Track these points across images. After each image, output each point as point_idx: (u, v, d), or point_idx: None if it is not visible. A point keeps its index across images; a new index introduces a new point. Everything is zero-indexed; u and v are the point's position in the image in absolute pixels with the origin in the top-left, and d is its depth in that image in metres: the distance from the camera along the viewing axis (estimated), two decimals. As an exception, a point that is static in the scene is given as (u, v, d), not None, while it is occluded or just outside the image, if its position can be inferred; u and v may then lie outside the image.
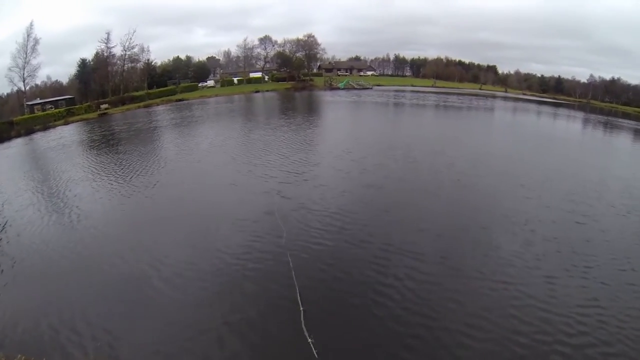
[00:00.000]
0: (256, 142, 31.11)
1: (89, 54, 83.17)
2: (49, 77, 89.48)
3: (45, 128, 50.71)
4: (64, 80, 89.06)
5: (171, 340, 9.41)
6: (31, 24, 69.23)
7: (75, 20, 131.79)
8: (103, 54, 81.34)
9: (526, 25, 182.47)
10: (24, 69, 69.03)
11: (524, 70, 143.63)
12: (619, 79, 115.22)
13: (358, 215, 16.41)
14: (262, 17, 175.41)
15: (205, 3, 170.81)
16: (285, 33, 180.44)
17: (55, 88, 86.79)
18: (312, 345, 8.83)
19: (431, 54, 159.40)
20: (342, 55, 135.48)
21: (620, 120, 68.17)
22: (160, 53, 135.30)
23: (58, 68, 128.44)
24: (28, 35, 68.98)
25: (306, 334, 9.21)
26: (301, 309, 10.16)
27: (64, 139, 40.23)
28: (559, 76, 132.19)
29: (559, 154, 30.80)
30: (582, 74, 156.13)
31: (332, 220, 15.89)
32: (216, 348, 9.15)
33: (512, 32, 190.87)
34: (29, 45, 69.12)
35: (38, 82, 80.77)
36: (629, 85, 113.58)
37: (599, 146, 38.86)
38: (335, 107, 58.52)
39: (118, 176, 23.57)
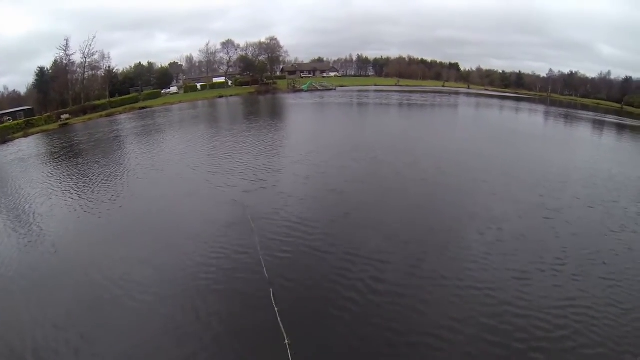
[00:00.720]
0: (218, 149, 31.95)
1: (47, 62, 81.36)
2: (5, 88, 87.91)
3: (3, 141, 49.75)
4: (22, 90, 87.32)
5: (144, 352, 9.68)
6: (-16, 35, 67.69)
7: (29, 26, 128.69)
8: (62, 61, 79.26)
9: (484, 22, 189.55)
10: (-22, 80, 67.36)
11: (485, 66, 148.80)
12: (576, 73, 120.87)
13: (319, 222, 16.49)
14: (223, 20, 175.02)
15: (164, 6, 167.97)
16: (246, 36, 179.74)
17: (13, 98, 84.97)
18: (288, 346, 9.03)
19: (393, 53, 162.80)
20: (305, 58, 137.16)
21: (579, 112, 72.25)
22: (121, 59, 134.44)
23: (15, 77, 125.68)
24: (-19, 46, 67.38)
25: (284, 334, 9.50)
26: (276, 309, 10.52)
27: (24, 152, 39.86)
28: (520, 71, 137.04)
29: (521, 147, 32.15)
30: (541, 69, 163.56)
31: (291, 231, 15.84)
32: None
33: (471, 29, 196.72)
34: (-17, 56, 67.51)
35: (-5, 92, 78.67)
36: (586, 78, 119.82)
37: (560, 138, 40.95)
38: (299, 109, 60.09)
39: (79, 190, 23.48)
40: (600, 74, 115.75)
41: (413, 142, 32.31)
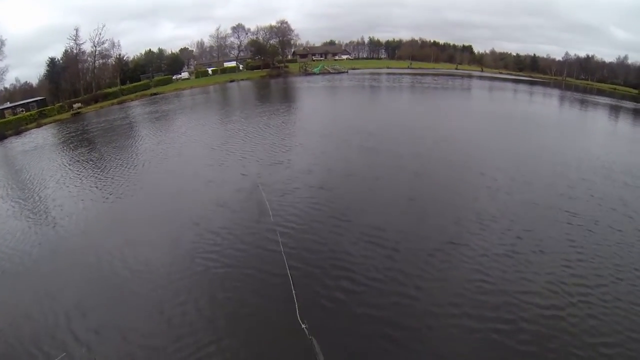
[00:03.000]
0: (229, 132, 31.51)
1: (57, 54, 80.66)
2: (17, 80, 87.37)
3: (17, 132, 49.74)
4: (34, 81, 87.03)
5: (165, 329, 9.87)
6: (-6, 27, 67.29)
7: (37, 21, 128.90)
8: (72, 51, 78.55)
9: (491, 4, 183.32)
10: (-10, 73, 67.17)
11: (498, 49, 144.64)
12: (593, 57, 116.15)
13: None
14: (228, 7, 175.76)
15: None
16: (253, 22, 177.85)
17: (25, 90, 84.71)
18: (305, 330, 8.94)
19: (403, 35, 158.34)
20: (316, 41, 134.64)
21: (595, 97, 69.15)
22: (130, 48, 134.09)
23: (26, 70, 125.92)
24: (-8, 38, 66.97)
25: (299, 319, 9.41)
26: (293, 291, 10.61)
27: (37, 142, 39.83)
28: (534, 54, 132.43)
29: (534, 137, 29.27)
30: (555, 52, 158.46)
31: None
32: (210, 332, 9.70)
33: (479, 11, 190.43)
34: (-6, 48, 67.16)
35: (7, 85, 78.85)
36: (603, 62, 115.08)
37: (575, 125, 38.21)
38: (310, 92, 59.03)
39: (96, 177, 23.56)
40: (618, 58, 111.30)
41: (420, 131, 29.35)
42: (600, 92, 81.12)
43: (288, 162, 22.26)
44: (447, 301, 10.41)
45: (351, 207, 16.05)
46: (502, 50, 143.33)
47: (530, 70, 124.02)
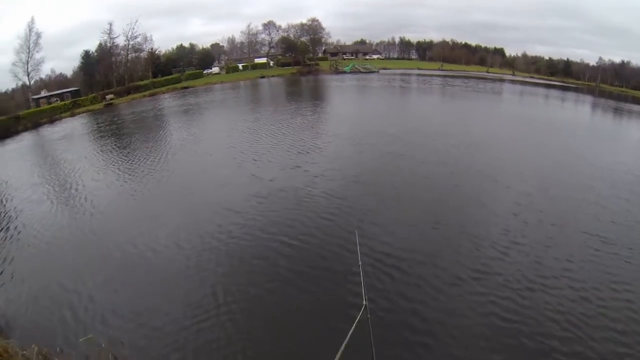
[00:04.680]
0: (260, 127, 30.76)
1: (90, 48, 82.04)
2: (53, 71, 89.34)
3: (51, 121, 50.53)
4: (69, 73, 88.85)
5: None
6: (32, 19, 68.87)
7: (71, 17, 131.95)
8: (106, 45, 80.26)
9: (520, 5, 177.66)
10: (27, 63, 68.75)
11: (530, 52, 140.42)
12: (628, 63, 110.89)
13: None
14: (255, 5, 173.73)
15: None
16: (280, 20, 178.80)
17: (60, 81, 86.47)
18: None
19: (432, 36, 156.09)
20: (347, 40, 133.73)
21: (630, 105, 64.24)
22: (160, 43, 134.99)
23: (60, 62, 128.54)
24: (30, 30, 68.64)
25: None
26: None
27: (72, 131, 40.19)
28: (567, 59, 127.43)
29: (564, 144, 26.41)
30: (590, 57, 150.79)
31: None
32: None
33: (505, 13, 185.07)
34: (32, 40, 68.82)
35: (42, 75, 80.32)
36: (639, 68, 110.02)
37: (609, 135, 33.63)
38: (341, 91, 57.79)
39: (127, 166, 23.42)
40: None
41: (446, 137, 26.12)
42: (636, 100, 76.02)
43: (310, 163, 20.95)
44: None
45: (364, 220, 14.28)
46: (534, 54, 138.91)
47: (563, 75, 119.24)
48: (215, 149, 25.16)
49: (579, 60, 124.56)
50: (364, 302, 7.37)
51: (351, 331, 4.17)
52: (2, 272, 12.41)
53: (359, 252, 8.29)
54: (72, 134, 37.75)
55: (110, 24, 79.48)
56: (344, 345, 4.04)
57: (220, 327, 9.07)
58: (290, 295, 10.10)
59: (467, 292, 10.05)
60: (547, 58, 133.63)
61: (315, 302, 9.81)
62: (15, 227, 15.99)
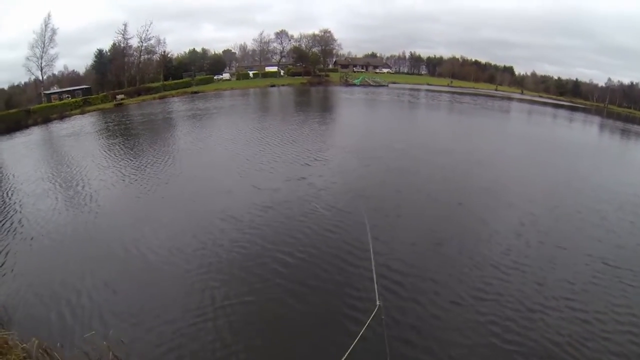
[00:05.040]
0: (267, 135, 30.92)
1: (103, 47, 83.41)
2: (65, 67, 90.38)
3: (61, 117, 51.00)
4: (81, 70, 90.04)
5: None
6: (49, 15, 69.99)
7: (85, 16, 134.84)
8: (120, 45, 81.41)
9: (528, 23, 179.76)
10: (41, 58, 69.69)
11: (540, 72, 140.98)
12: (637, 84, 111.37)
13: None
14: (267, 13, 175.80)
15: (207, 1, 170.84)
16: (291, 29, 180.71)
17: (72, 78, 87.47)
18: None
19: (441, 52, 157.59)
20: (357, 52, 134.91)
21: (638, 127, 63.63)
22: (172, 47, 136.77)
23: (73, 60, 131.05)
24: (46, 26, 69.69)
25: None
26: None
27: (81, 128, 40.58)
28: (577, 79, 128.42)
29: (571, 165, 26.31)
30: (599, 77, 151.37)
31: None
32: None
33: (514, 30, 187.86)
34: (47, 35, 69.85)
35: (55, 72, 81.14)
36: None
37: (616, 157, 33.67)
38: (349, 104, 57.93)
39: (133, 167, 23.50)
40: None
41: (450, 154, 25.80)
42: None
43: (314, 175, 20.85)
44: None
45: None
46: (543, 73, 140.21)
47: (572, 95, 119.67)
48: (221, 157, 25.17)
49: (587, 81, 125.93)
50: (378, 303, 7.35)
51: (363, 330, 4.15)
52: (2, 264, 12.46)
53: (371, 252, 8.17)
54: (80, 131, 38.12)
55: (125, 25, 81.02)
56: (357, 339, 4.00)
57: (217, 331, 9.06)
58: (289, 304, 10.03)
59: (466, 312, 9.91)
60: (556, 78, 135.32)
61: (314, 314, 9.73)
62: (19, 220, 16.06)
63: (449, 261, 12.32)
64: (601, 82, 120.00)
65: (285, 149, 26.15)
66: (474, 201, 17.74)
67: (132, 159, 25.36)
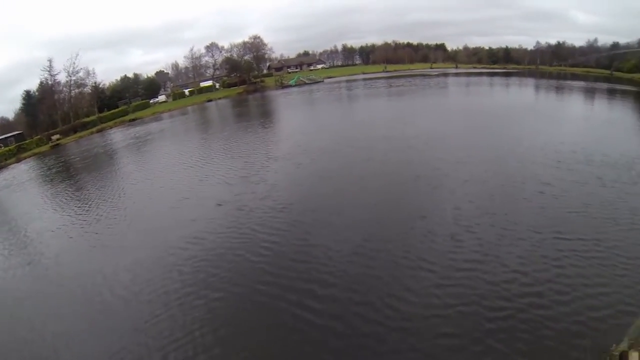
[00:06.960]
0: (209, 152, 32.06)
1: (31, 87, 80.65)
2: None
3: (-3, 168, 49.61)
4: (10, 116, 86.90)
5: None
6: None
7: (6, 58, 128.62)
8: (47, 82, 78.32)
9: (454, 1, 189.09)
10: (-36, 111, 66.80)
11: (471, 44, 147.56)
12: (564, 43, 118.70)
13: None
14: (195, 29, 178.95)
15: (132, 25, 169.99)
16: (222, 41, 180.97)
17: (1, 125, 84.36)
18: None
19: (374, 39, 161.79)
20: (291, 53, 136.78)
21: (570, 82, 69.94)
22: (103, 76, 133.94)
23: (0, 106, 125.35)
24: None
25: None
26: None
27: (17, 178, 39.58)
28: (507, 46, 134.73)
29: (505, 127, 29.73)
30: (528, 42, 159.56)
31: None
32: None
33: (442, 9, 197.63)
34: (-34, 85, 67.01)
35: (-19, 122, 77.98)
36: (574, 47, 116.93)
37: (555, 114, 36.56)
38: (286, 105, 60.39)
39: (79, 212, 22.97)
40: (588, 41, 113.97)
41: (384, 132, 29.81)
42: (575, 76, 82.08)
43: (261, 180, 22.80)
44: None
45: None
46: (474, 45, 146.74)
47: (504, 62, 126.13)
48: (167, 181, 25.69)
49: (517, 47, 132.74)
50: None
51: None
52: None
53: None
54: (19, 182, 37.32)
55: (50, 61, 77.69)
56: None
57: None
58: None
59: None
60: (487, 48, 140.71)
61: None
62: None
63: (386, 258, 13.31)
64: (530, 46, 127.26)
65: (217, 166, 27.29)
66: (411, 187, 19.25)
67: (78, 202, 25.17)
